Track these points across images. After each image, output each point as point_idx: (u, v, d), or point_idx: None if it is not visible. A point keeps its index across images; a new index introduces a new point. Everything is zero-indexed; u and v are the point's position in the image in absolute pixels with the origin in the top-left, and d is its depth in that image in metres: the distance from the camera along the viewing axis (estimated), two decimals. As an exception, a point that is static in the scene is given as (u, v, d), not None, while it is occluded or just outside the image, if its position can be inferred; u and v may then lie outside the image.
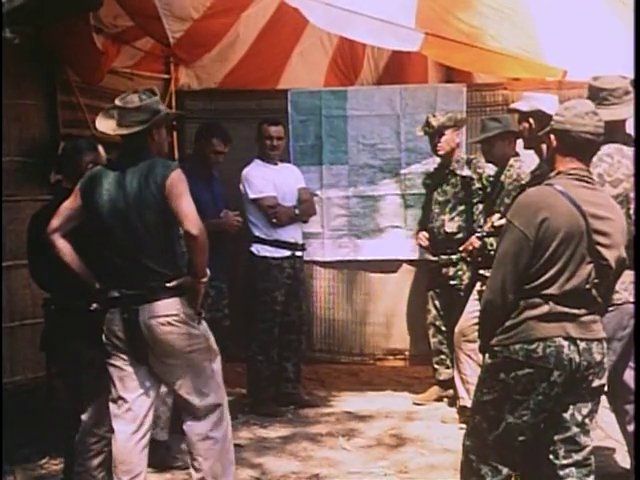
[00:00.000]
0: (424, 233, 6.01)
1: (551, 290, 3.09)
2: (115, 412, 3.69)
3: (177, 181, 3.58)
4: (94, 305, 3.72)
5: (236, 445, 4.95)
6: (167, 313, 3.59)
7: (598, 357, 3.15)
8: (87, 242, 3.69)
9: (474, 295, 5.32)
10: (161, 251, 3.62)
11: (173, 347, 3.62)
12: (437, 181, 5.99)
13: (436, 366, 6.03)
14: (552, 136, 3.26)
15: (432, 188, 6.03)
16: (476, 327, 5.22)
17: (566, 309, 3.10)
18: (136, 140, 3.66)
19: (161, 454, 4.60)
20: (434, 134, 5.80)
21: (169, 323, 3.59)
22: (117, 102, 3.67)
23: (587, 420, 3.17)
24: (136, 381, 3.68)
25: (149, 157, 3.67)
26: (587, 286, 3.12)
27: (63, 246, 3.68)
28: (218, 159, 5.62)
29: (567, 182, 3.18)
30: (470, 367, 5.39)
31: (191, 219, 3.53)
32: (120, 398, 3.68)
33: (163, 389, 3.99)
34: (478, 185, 5.75)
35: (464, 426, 5.14)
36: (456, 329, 5.47)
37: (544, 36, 4.65)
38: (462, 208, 5.84)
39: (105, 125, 3.72)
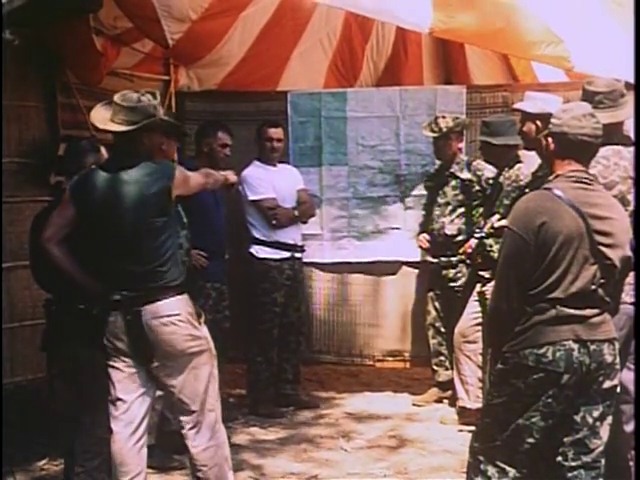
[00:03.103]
0: (425, 235, 6.01)
1: (556, 294, 3.09)
2: (113, 413, 3.68)
3: (182, 172, 3.72)
4: (96, 310, 3.71)
5: (236, 446, 4.98)
6: (169, 313, 3.58)
7: (609, 358, 3.14)
8: (84, 246, 3.67)
9: (474, 296, 5.32)
10: (161, 252, 3.60)
11: (174, 347, 3.60)
12: (438, 183, 6.00)
13: (435, 367, 6.03)
14: (550, 139, 3.26)
15: (433, 190, 6.03)
16: (476, 328, 5.31)
17: (574, 311, 3.10)
18: (126, 141, 3.63)
19: (159, 455, 4.60)
20: (440, 137, 5.81)
21: (172, 323, 3.58)
22: (115, 98, 3.63)
23: (598, 422, 3.15)
24: (135, 383, 3.67)
25: (138, 160, 3.60)
26: (593, 287, 3.11)
27: (59, 254, 3.66)
28: (226, 152, 5.50)
29: (566, 185, 3.17)
30: (470, 368, 5.40)
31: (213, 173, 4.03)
32: (119, 399, 3.67)
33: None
34: (478, 188, 5.76)
35: (464, 427, 5.18)
36: (456, 330, 5.48)
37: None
38: (462, 210, 5.85)
39: (98, 117, 3.69)
